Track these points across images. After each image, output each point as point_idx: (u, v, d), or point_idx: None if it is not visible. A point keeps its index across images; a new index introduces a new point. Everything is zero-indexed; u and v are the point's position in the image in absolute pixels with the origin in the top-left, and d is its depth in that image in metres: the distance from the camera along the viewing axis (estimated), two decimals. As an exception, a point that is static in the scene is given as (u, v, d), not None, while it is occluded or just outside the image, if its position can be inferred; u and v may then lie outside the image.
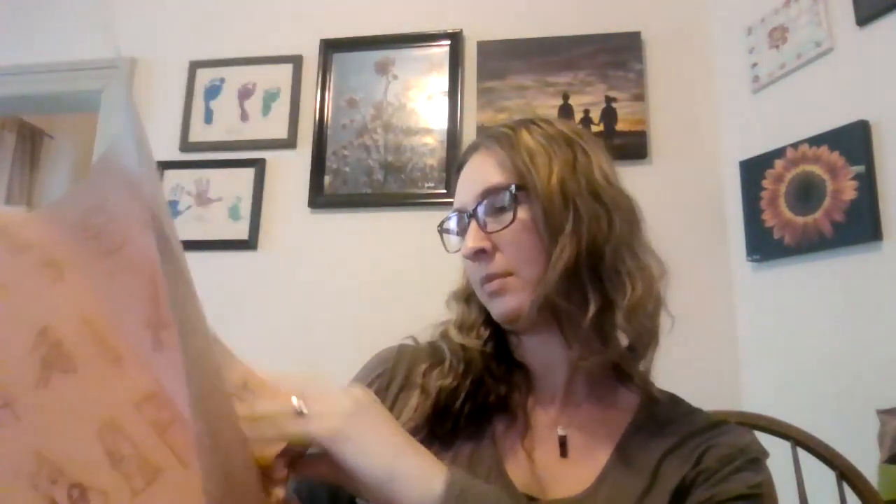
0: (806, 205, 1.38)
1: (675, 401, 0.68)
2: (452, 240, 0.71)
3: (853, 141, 1.28)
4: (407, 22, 1.90)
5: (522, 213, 0.63)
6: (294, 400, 0.46)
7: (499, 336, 0.70)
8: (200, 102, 1.98)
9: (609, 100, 1.73)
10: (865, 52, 1.29)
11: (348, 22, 1.94)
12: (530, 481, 0.61)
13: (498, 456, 0.63)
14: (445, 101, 1.82)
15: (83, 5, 2.14)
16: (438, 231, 0.72)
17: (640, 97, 1.72)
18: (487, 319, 0.69)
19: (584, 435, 0.64)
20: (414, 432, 0.61)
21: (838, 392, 1.28)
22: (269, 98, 1.94)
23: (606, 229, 0.63)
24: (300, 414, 0.46)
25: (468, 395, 0.65)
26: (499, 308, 0.65)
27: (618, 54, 1.75)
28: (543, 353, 0.67)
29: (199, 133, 1.95)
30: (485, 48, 1.83)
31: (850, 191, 1.28)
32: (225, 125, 1.95)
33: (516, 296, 0.63)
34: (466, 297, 0.72)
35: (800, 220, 1.39)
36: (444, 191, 1.76)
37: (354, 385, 0.54)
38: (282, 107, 1.92)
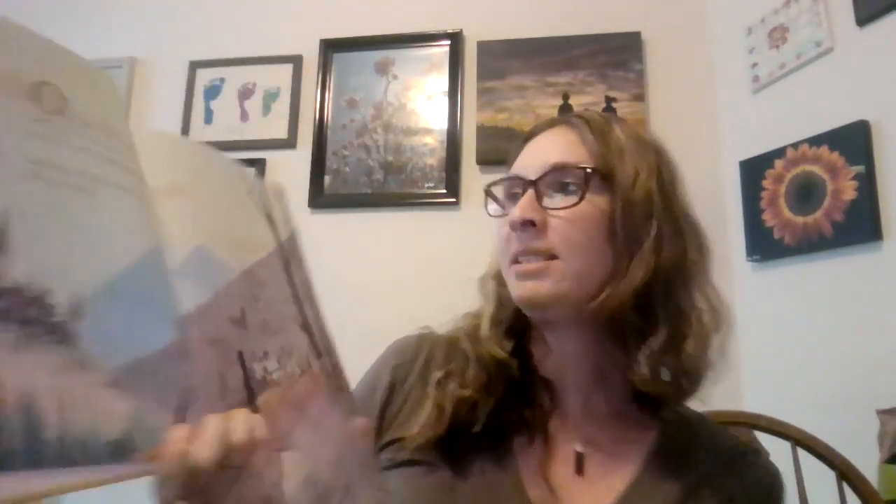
0: (806, 205, 1.38)
1: (697, 421, 0.65)
2: (493, 206, 0.66)
3: (853, 141, 1.28)
4: (407, 22, 1.90)
5: (592, 200, 0.59)
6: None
7: (522, 346, 0.65)
8: (200, 102, 1.98)
9: (609, 100, 1.73)
10: (865, 52, 1.29)
11: (348, 22, 1.93)
12: (550, 503, 0.59)
13: (518, 479, 0.59)
14: (445, 101, 1.82)
15: (83, 5, 2.14)
16: (485, 191, 0.67)
17: (640, 97, 1.72)
18: (519, 316, 0.64)
19: (603, 454, 0.61)
20: (422, 452, 0.60)
21: (838, 392, 1.28)
22: (269, 98, 1.94)
23: (682, 256, 0.60)
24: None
25: (489, 413, 0.61)
26: (529, 291, 0.59)
27: (618, 54, 1.75)
28: (567, 359, 0.63)
29: (199, 133, 1.95)
30: (485, 48, 1.83)
31: (850, 191, 1.28)
32: (225, 125, 1.95)
33: (554, 283, 0.58)
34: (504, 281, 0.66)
35: (800, 220, 1.39)
36: (444, 191, 1.75)
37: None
38: (282, 107, 1.92)
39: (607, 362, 0.62)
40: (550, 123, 0.67)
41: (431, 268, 1.70)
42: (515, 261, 0.60)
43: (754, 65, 1.56)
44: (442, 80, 1.84)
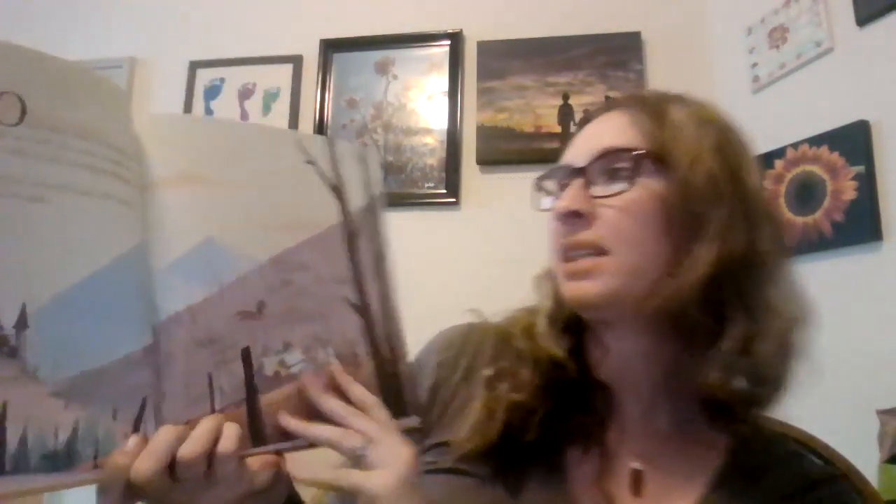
0: (806, 205, 1.38)
1: (774, 438, 0.59)
2: (546, 199, 0.61)
3: (853, 141, 1.28)
4: (407, 22, 1.90)
5: (645, 185, 0.53)
6: (360, 443, 0.47)
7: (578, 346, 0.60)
8: (200, 102, 1.98)
9: (609, 100, 1.73)
10: (865, 52, 1.29)
11: (348, 22, 1.93)
12: None
13: (572, 499, 0.54)
14: (445, 101, 1.82)
15: (83, 5, 2.14)
16: (534, 186, 0.63)
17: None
18: (576, 315, 0.58)
19: (663, 473, 0.56)
20: (468, 461, 0.55)
21: (838, 392, 1.28)
22: (269, 98, 1.94)
23: (752, 246, 0.53)
24: (360, 456, 0.46)
25: (542, 420, 0.55)
26: (578, 291, 0.54)
27: (618, 54, 1.75)
28: (627, 362, 0.57)
29: (199, 133, 1.95)
30: (485, 48, 1.83)
31: (850, 191, 1.28)
32: (225, 125, 1.95)
33: (605, 282, 0.53)
34: None
35: (800, 220, 1.39)
36: (444, 191, 1.75)
37: (410, 446, 0.50)
38: (282, 107, 1.92)
39: (673, 366, 0.56)
40: (601, 109, 0.62)
41: (431, 268, 1.70)
42: (565, 258, 0.56)
43: (754, 65, 1.56)
44: (442, 80, 1.84)
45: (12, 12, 2.15)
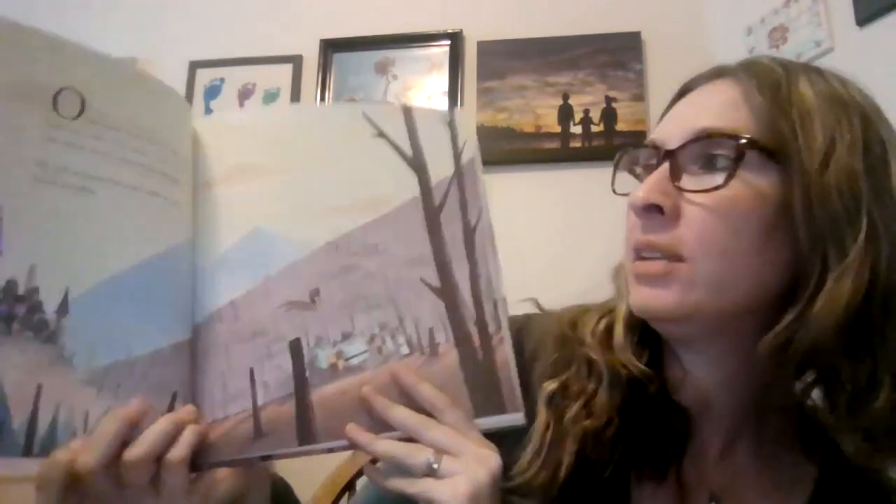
0: (806, 205, 1.38)
1: (869, 468, 0.48)
2: (629, 181, 0.51)
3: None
4: (407, 22, 1.89)
5: (749, 182, 0.43)
6: (429, 459, 0.41)
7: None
8: (200, 102, 1.98)
9: (609, 100, 1.73)
10: (865, 52, 1.29)
11: (348, 22, 1.93)
12: None
13: None
14: (445, 101, 1.82)
15: (83, 5, 2.14)
16: (615, 162, 0.53)
17: (640, 97, 1.71)
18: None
19: None
20: (526, 492, 0.47)
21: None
22: (269, 98, 1.94)
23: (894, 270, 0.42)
24: (430, 470, 0.41)
25: (616, 443, 0.47)
26: (645, 299, 0.46)
27: (618, 54, 1.74)
28: (709, 388, 0.49)
29: (199, 133, 1.95)
30: (485, 48, 1.82)
31: (850, 191, 1.28)
32: (225, 125, 1.95)
33: (680, 293, 0.44)
34: None
35: (800, 220, 1.39)
36: (444, 191, 1.75)
37: (492, 448, 0.43)
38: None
39: (764, 390, 0.48)
40: (709, 75, 0.52)
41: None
42: (638, 256, 0.47)
43: (754, 65, 1.56)
44: (442, 80, 1.83)
45: (12, 12, 2.15)
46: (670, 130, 0.47)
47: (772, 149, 0.43)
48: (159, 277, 0.44)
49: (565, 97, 1.75)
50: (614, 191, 0.51)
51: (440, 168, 0.51)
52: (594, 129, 1.71)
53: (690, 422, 0.50)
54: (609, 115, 1.72)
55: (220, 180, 0.47)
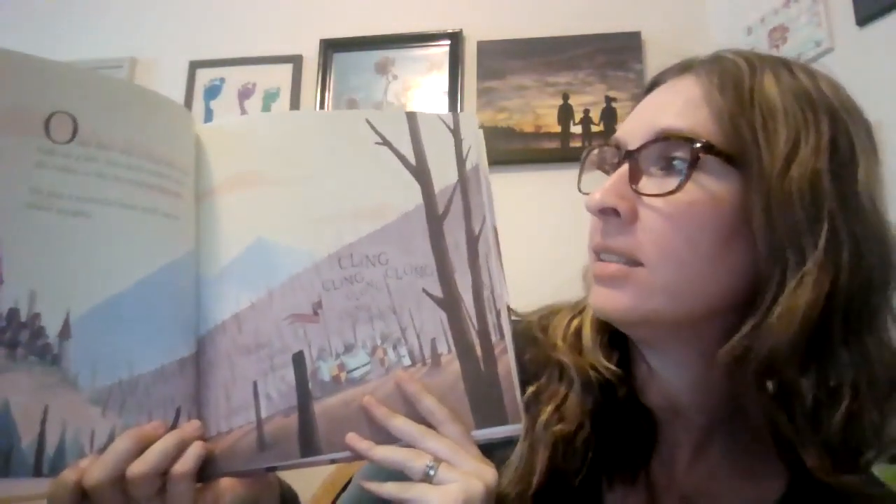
0: (806, 205, 1.38)
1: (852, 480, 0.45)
2: (603, 179, 0.48)
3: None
4: (407, 22, 1.90)
5: (705, 187, 0.41)
6: (427, 465, 0.41)
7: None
8: (200, 102, 1.98)
9: (609, 100, 1.73)
10: (865, 52, 1.29)
11: (348, 22, 1.93)
12: None
13: None
14: (445, 101, 1.82)
15: (83, 5, 2.14)
16: (581, 160, 0.51)
17: (640, 97, 1.71)
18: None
19: None
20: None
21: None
22: (269, 98, 1.94)
23: (868, 277, 0.41)
24: (426, 477, 0.41)
25: (587, 448, 0.46)
26: (603, 301, 0.45)
27: (618, 54, 1.74)
28: (675, 390, 0.48)
29: (199, 133, 1.95)
30: (485, 48, 1.82)
31: (850, 191, 1.28)
32: (225, 125, 1.95)
33: (637, 298, 0.43)
34: None
35: (800, 220, 1.39)
36: (444, 191, 1.75)
37: (489, 464, 0.43)
38: (282, 107, 1.92)
39: (735, 398, 0.46)
40: (681, 68, 0.48)
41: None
42: (598, 257, 0.46)
43: (754, 65, 1.56)
44: (442, 80, 1.84)
45: (13, 12, 2.15)
46: (632, 129, 0.47)
47: (730, 153, 0.42)
48: (160, 294, 0.44)
49: (565, 97, 1.76)
50: (580, 190, 0.49)
51: (444, 175, 0.50)
52: (594, 129, 1.71)
53: (657, 424, 0.49)
54: (609, 115, 1.72)
55: (222, 189, 0.47)
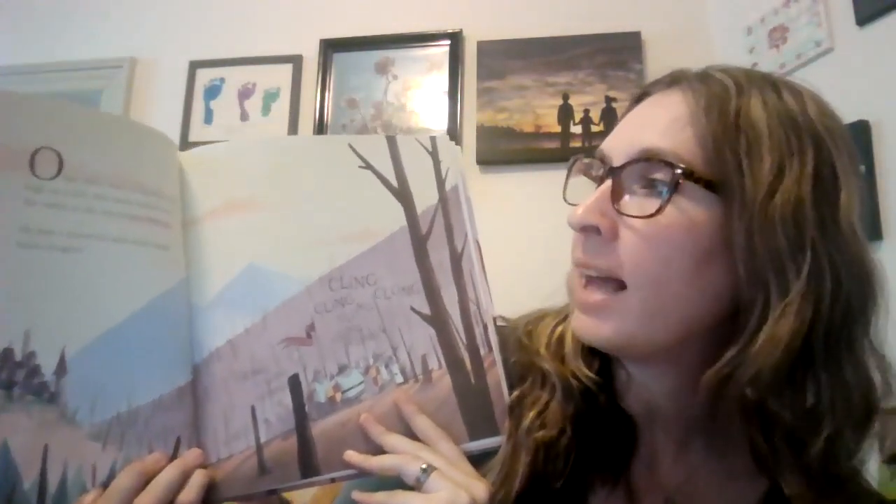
0: (806, 205, 1.38)
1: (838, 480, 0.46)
2: (590, 186, 0.49)
3: (853, 141, 1.28)
4: (407, 22, 1.89)
5: (685, 210, 0.41)
6: (421, 468, 0.42)
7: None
8: (200, 102, 1.98)
9: (609, 100, 1.73)
10: (865, 52, 1.29)
11: (348, 22, 1.93)
12: None
13: None
14: (445, 100, 1.82)
15: (83, 5, 2.14)
16: (567, 168, 0.51)
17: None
18: None
19: None
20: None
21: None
22: (269, 98, 1.94)
23: (848, 306, 0.41)
24: (417, 482, 0.42)
25: (569, 453, 0.47)
26: (584, 330, 0.46)
27: (618, 54, 1.74)
28: (655, 398, 0.49)
29: (198, 133, 1.95)
30: (485, 48, 1.82)
31: (850, 191, 1.28)
32: (225, 125, 1.95)
33: (618, 325, 0.43)
34: None
35: (800, 220, 1.39)
36: (444, 191, 1.75)
37: (482, 481, 0.43)
38: (282, 107, 1.92)
39: (713, 408, 0.45)
40: (669, 81, 0.49)
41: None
42: (580, 274, 0.47)
43: (754, 65, 1.56)
44: (442, 79, 1.83)
45: (13, 12, 2.15)
46: (617, 144, 0.46)
47: (711, 179, 0.41)
48: (155, 325, 0.44)
49: (565, 97, 1.76)
50: (565, 199, 0.50)
51: (425, 197, 0.52)
52: (594, 128, 1.71)
53: (638, 427, 0.49)
54: (609, 115, 1.72)
55: (209, 216, 0.47)
